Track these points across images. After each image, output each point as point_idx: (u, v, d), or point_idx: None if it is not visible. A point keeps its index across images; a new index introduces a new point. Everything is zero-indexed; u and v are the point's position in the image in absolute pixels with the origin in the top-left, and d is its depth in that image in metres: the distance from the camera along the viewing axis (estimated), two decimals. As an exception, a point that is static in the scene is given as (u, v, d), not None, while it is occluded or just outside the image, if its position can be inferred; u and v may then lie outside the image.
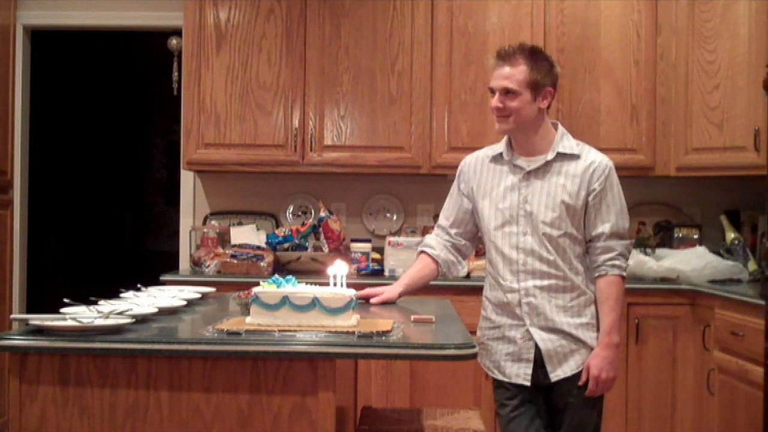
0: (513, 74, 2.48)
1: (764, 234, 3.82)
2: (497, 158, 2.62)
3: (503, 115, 2.50)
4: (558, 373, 2.50)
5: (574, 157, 2.54)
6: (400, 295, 2.63)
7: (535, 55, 2.52)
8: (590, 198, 2.50)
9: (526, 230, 2.51)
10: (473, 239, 2.73)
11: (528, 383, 2.51)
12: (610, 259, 2.51)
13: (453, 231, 2.70)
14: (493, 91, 2.52)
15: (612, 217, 2.51)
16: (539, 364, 2.50)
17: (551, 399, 2.55)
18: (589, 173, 2.51)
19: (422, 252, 2.72)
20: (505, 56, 2.51)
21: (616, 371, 2.53)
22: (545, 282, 2.49)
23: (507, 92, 2.48)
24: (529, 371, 2.50)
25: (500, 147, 2.62)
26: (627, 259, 2.56)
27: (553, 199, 2.50)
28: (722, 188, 4.27)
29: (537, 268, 2.50)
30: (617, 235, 2.52)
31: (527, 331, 2.50)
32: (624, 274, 2.54)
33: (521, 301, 2.51)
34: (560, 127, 2.61)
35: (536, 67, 2.50)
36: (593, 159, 2.54)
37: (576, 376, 2.50)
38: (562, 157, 2.54)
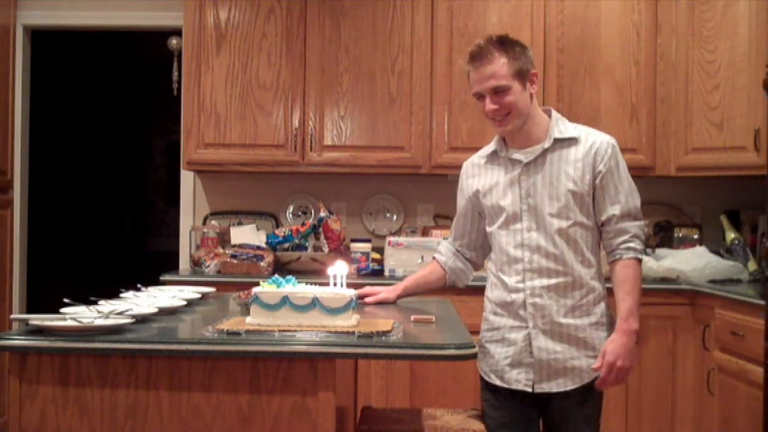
0: (496, 70, 2.33)
1: (764, 234, 3.82)
2: (492, 156, 2.51)
3: (502, 115, 2.37)
4: (543, 385, 2.38)
5: (572, 141, 2.41)
6: (399, 297, 2.60)
7: (506, 44, 2.37)
8: (597, 181, 2.37)
9: (531, 225, 2.39)
10: (480, 248, 2.62)
11: (529, 389, 2.38)
12: (624, 242, 2.37)
13: (457, 244, 2.64)
14: (481, 96, 2.38)
15: (621, 197, 2.38)
16: (536, 370, 2.39)
17: (546, 414, 2.44)
18: (592, 155, 2.38)
19: (434, 258, 2.69)
20: (479, 56, 2.36)
21: (634, 362, 2.37)
22: (552, 281, 2.37)
23: (497, 91, 2.34)
24: (531, 376, 2.38)
25: (493, 145, 2.51)
26: (642, 241, 2.40)
27: (557, 188, 2.37)
28: (722, 188, 4.27)
29: (544, 265, 2.37)
30: (629, 215, 2.39)
31: (529, 334, 2.39)
32: (640, 256, 2.39)
33: (526, 302, 2.39)
34: (554, 113, 2.47)
35: (513, 54, 2.35)
36: (594, 140, 2.40)
37: (572, 394, 2.38)
38: (560, 143, 2.40)
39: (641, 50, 4.05)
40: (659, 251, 3.99)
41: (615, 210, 2.38)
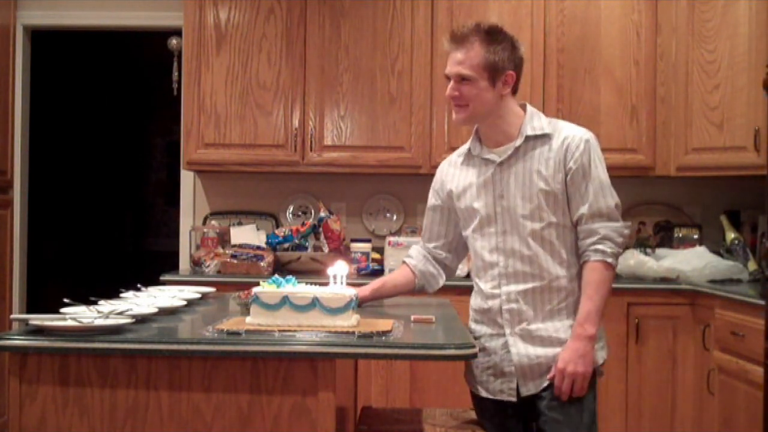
0: (467, 58, 2.23)
1: (764, 234, 3.82)
2: (467, 156, 2.41)
3: (459, 104, 2.28)
4: (530, 387, 2.29)
5: (545, 138, 2.28)
6: (365, 301, 2.47)
7: (492, 35, 2.25)
8: (567, 179, 2.25)
9: (505, 228, 2.29)
10: (455, 250, 2.53)
11: (513, 399, 2.30)
12: (593, 244, 2.23)
13: (430, 245, 2.53)
14: (448, 78, 2.29)
15: (590, 196, 2.24)
16: (519, 376, 2.30)
17: (537, 419, 2.31)
18: (563, 152, 2.26)
19: (404, 262, 2.60)
20: (458, 39, 2.26)
21: (587, 367, 2.21)
22: (529, 285, 2.27)
23: (462, 79, 2.25)
24: (513, 385, 2.29)
25: (468, 143, 2.42)
26: (616, 243, 2.25)
27: (529, 188, 2.27)
28: (722, 188, 4.27)
29: (519, 269, 2.28)
30: (600, 215, 2.25)
31: (506, 341, 2.30)
32: (609, 260, 2.24)
33: (502, 308, 2.30)
34: (529, 108, 2.35)
35: (493, 49, 2.24)
36: (566, 135, 2.28)
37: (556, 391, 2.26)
38: (533, 140, 2.29)
39: (641, 50, 4.05)
40: (659, 251, 4.00)
41: (584, 209, 2.26)
